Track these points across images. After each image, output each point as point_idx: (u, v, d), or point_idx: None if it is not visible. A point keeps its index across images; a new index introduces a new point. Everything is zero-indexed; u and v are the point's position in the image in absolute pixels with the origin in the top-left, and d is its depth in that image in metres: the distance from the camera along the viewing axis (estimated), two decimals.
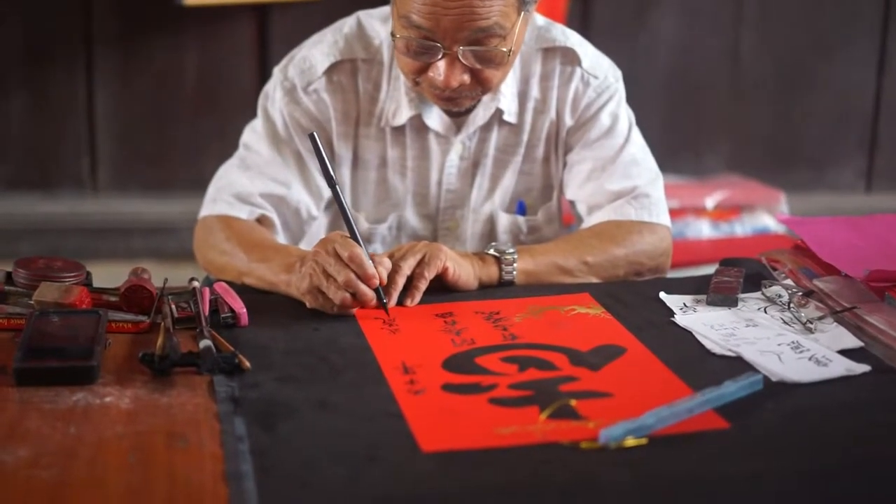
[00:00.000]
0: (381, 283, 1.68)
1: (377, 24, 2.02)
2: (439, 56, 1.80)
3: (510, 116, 2.02)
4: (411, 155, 2.04)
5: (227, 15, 4.04)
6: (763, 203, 3.64)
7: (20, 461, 1.22)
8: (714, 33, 4.29)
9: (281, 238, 2.03)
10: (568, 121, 2.04)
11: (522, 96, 2.03)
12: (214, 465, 1.22)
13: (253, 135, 2.04)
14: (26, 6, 3.97)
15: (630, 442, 1.28)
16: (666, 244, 2.02)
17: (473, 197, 2.08)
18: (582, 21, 4.08)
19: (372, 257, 1.69)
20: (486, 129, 2.04)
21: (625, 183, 2.02)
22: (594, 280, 1.93)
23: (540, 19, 2.04)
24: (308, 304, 1.71)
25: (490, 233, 2.09)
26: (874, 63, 4.38)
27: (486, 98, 1.97)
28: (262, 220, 2.00)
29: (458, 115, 2.00)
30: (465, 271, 1.81)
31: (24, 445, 1.25)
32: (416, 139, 2.03)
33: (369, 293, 1.67)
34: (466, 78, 1.83)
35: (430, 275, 1.76)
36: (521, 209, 2.10)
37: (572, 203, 2.10)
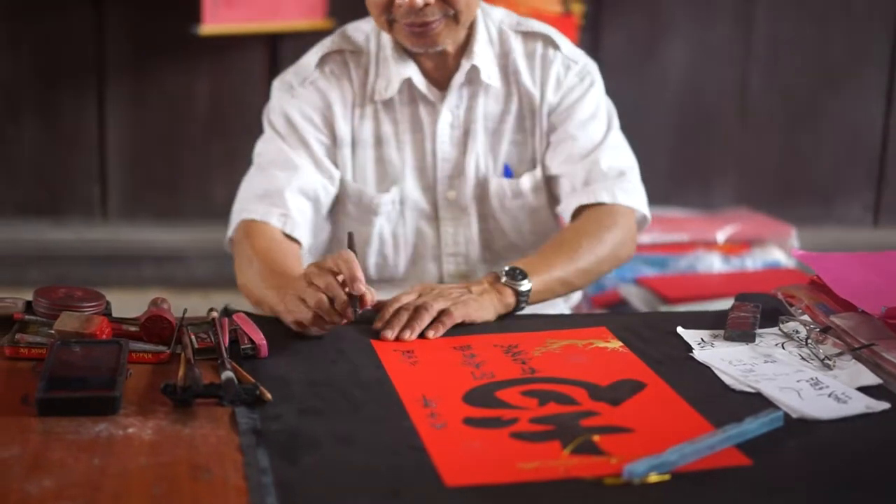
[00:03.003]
0: (363, 299, 1.68)
1: (361, 25, 2.18)
2: None
3: (490, 80, 2.12)
4: (403, 129, 2.14)
5: (238, 44, 4.07)
6: (773, 237, 3.64)
7: (45, 492, 1.22)
8: (723, 67, 4.31)
9: (305, 232, 2.08)
10: (551, 98, 2.15)
11: (504, 68, 2.15)
12: (238, 498, 1.22)
13: (261, 144, 2.16)
14: (39, 32, 3.99)
15: (653, 478, 1.28)
16: (634, 231, 2.13)
17: (468, 164, 2.16)
18: (592, 54, 4.08)
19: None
20: (472, 97, 2.14)
21: (604, 166, 2.11)
22: (587, 283, 2.07)
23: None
24: (292, 320, 1.72)
25: (482, 197, 2.18)
26: (882, 97, 4.40)
27: (463, 61, 2.10)
28: (287, 223, 2.05)
29: (440, 55, 2.08)
30: (487, 314, 1.84)
31: (49, 476, 1.25)
32: (406, 110, 2.14)
33: (343, 297, 1.67)
34: None
35: (457, 316, 1.78)
36: (507, 172, 2.18)
37: (555, 180, 2.17)
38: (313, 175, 2.10)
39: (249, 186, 2.11)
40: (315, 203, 2.11)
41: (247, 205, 2.08)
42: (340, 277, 1.68)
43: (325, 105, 2.12)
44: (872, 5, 4.33)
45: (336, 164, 2.14)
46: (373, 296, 1.70)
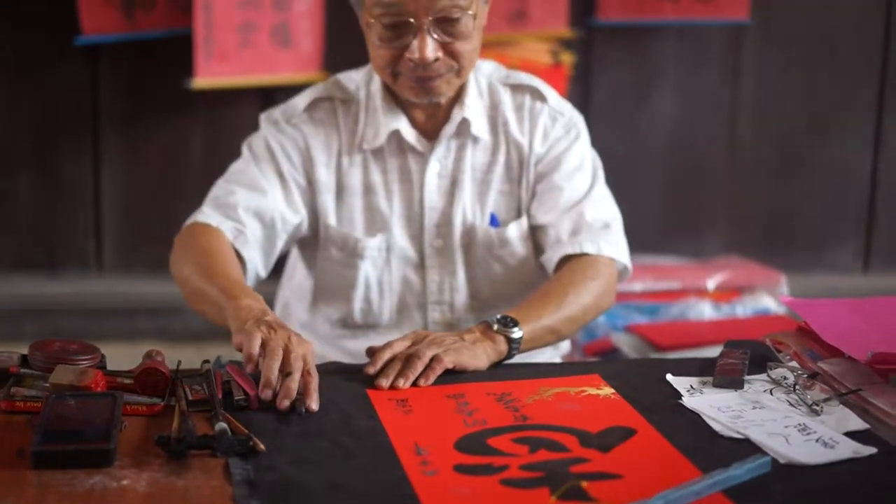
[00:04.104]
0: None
1: (352, 75, 2.22)
2: (412, 32, 1.98)
3: (480, 132, 2.17)
4: (392, 178, 2.18)
5: (233, 97, 4.10)
6: (763, 284, 3.67)
7: None
8: (711, 115, 4.35)
9: (254, 253, 2.11)
10: (538, 149, 2.19)
11: (493, 121, 2.20)
12: None
13: (235, 164, 2.21)
14: (34, 86, 4.03)
15: None
16: (615, 281, 2.17)
17: (455, 214, 2.19)
18: (582, 102, 4.13)
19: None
20: (460, 148, 2.18)
21: (589, 217, 2.16)
22: (573, 332, 2.10)
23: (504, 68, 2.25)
24: (240, 340, 1.73)
25: (469, 246, 2.21)
26: (870, 144, 4.44)
27: (454, 112, 2.14)
28: (238, 238, 2.09)
29: (433, 106, 2.13)
30: (480, 362, 1.86)
31: None
32: (395, 160, 2.18)
33: (292, 395, 1.64)
34: (440, 53, 2.01)
35: (448, 362, 1.80)
36: (494, 221, 2.21)
37: (540, 230, 2.20)
38: (276, 203, 2.14)
39: (209, 196, 2.17)
40: (269, 229, 2.14)
41: (203, 209, 2.14)
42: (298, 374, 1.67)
43: (305, 148, 2.17)
44: (858, 52, 4.38)
45: (312, 208, 2.19)
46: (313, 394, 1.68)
